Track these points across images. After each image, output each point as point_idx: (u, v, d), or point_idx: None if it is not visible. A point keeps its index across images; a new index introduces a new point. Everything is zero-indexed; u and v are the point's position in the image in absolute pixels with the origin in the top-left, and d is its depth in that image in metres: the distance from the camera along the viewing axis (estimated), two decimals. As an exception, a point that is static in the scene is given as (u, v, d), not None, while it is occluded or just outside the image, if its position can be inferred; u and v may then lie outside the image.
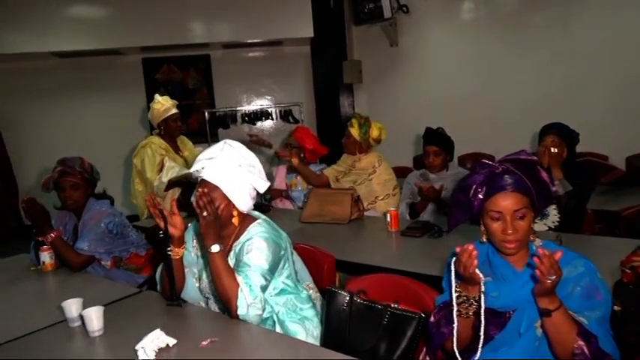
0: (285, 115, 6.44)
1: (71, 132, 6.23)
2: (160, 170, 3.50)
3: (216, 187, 1.67)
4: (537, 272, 1.22)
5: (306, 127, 3.67)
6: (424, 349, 1.63)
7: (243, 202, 1.73)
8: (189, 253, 1.84)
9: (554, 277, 1.21)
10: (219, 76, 6.50)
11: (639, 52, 4.33)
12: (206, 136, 6.11)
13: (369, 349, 1.62)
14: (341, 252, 2.27)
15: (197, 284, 1.81)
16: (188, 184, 3.54)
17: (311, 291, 1.90)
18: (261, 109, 6.47)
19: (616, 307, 1.30)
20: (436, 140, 2.95)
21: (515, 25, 5.01)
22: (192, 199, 1.79)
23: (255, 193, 1.77)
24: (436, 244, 2.46)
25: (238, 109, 6.51)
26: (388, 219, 2.66)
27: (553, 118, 2.99)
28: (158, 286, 1.87)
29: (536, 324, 1.34)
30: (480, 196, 1.39)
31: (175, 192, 3.47)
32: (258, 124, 6.53)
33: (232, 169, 1.69)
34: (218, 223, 1.61)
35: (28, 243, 2.49)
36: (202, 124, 6.22)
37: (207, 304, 1.83)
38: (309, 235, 2.66)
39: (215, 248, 1.57)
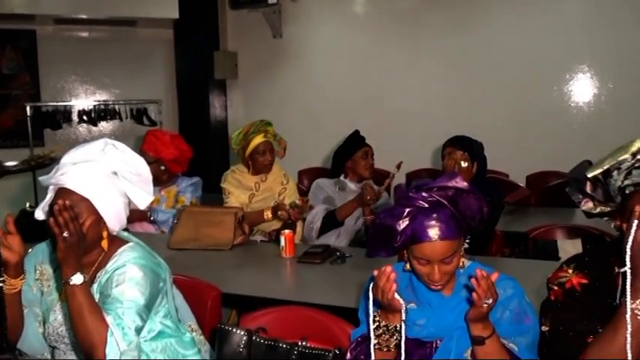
0: (139, 115, 6.20)
1: None
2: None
3: (83, 199, 1.58)
4: (474, 295, 1.35)
5: (158, 131, 3.56)
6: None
7: (117, 220, 1.67)
8: (30, 288, 1.72)
9: (490, 301, 1.36)
10: (47, 60, 6.11)
11: (541, 67, 5.00)
12: (27, 139, 5.63)
13: (272, 398, 1.65)
14: (226, 284, 2.26)
15: (41, 329, 1.72)
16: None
17: (194, 333, 1.88)
18: (105, 105, 6.16)
19: (544, 328, 1.48)
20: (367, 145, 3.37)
21: (413, 24, 5.47)
22: (38, 214, 1.68)
23: (128, 210, 1.72)
24: (339, 271, 2.57)
25: (74, 104, 6.13)
26: (282, 243, 2.72)
27: (450, 130, 3.35)
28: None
29: (466, 353, 1.48)
30: (406, 235, 1.46)
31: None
32: (102, 124, 6.22)
33: (107, 177, 1.64)
34: (82, 246, 1.53)
35: None
36: (22, 122, 5.73)
37: (52, 355, 1.74)
38: (183, 265, 2.60)
39: (77, 279, 1.48)
